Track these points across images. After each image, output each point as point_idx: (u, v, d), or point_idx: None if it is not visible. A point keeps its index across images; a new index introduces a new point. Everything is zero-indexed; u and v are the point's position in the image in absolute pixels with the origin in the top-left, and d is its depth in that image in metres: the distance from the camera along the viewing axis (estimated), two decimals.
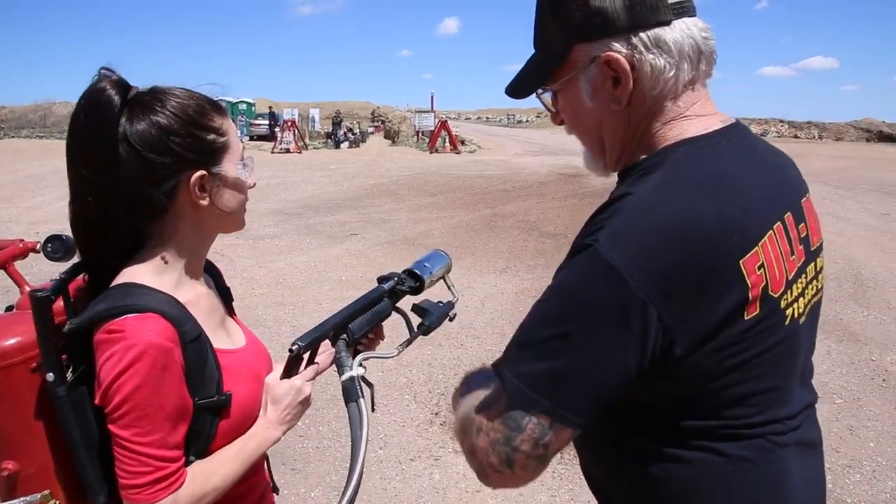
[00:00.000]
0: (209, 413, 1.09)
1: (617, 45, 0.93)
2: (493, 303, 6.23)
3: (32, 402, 1.06)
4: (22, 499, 1.03)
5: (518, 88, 1.09)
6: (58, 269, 1.21)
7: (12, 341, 1.05)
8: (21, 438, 1.07)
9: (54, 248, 1.37)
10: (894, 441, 3.74)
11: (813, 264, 1.02)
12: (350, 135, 34.13)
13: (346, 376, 1.06)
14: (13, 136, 38.35)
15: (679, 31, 0.93)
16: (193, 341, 1.06)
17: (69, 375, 1.03)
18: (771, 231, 0.92)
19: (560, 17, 0.98)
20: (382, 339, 1.37)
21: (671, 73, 0.94)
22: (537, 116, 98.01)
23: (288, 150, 27.87)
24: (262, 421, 1.17)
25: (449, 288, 1.47)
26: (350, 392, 1.05)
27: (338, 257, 8.19)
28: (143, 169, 1.05)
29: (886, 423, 3.95)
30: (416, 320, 1.37)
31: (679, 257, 0.83)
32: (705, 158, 0.93)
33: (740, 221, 0.88)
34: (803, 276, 0.98)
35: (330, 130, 34.88)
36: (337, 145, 32.41)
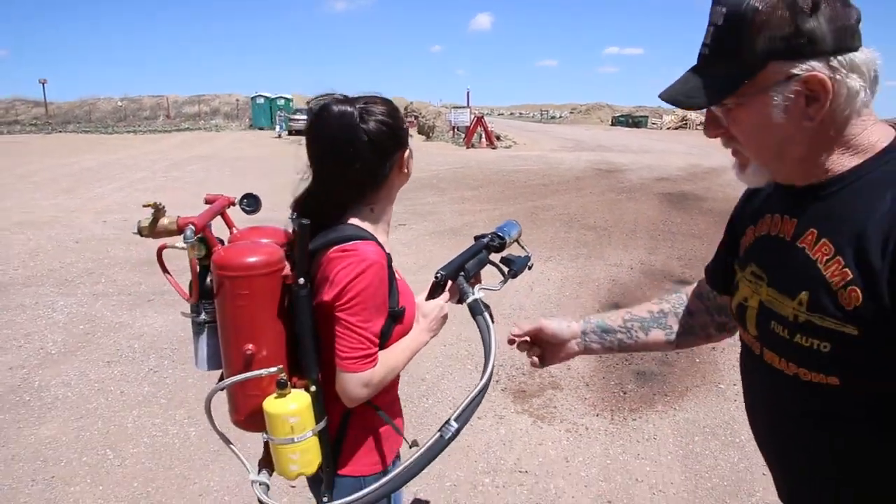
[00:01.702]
0: (391, 319, 1.53)
1: (818, 66, 0.98)
2: (540, 287, 6.64)
3: (276, 300, 1.46)
4: (265, 370, 1.42)
5: (695, 97, 1.08)
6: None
7: (277, 255, 1.45)
8: (262, 327, 1.44)
9: (248, 202, 1.77)
10: None
11: None
12: None
13: (470, 299, 1.61)
14: (60, 131, 39.44)
15: (865, 56, 1.00)
16: (390, 266, 1.52)
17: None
18: None
19: (763, 34, 0.99)
20: (479, 283, 1.81)
21: (862, 95, 1.00)
22: (570, 112, 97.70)
23: None
24: (416, 328, 1.62)
25: (523, 247, 1.93)
26: (475, 309, 1.59)
27: (390, 246, 8.63)
28: (377, 153, 1.52)
29: None
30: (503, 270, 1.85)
31: None
32: None
33: None
34: None
35: None
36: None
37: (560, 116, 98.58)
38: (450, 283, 1.67)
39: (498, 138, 31.93)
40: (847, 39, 0.98)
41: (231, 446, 1.61)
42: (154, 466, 3.38)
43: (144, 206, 1.55)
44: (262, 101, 42.90)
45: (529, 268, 1.89)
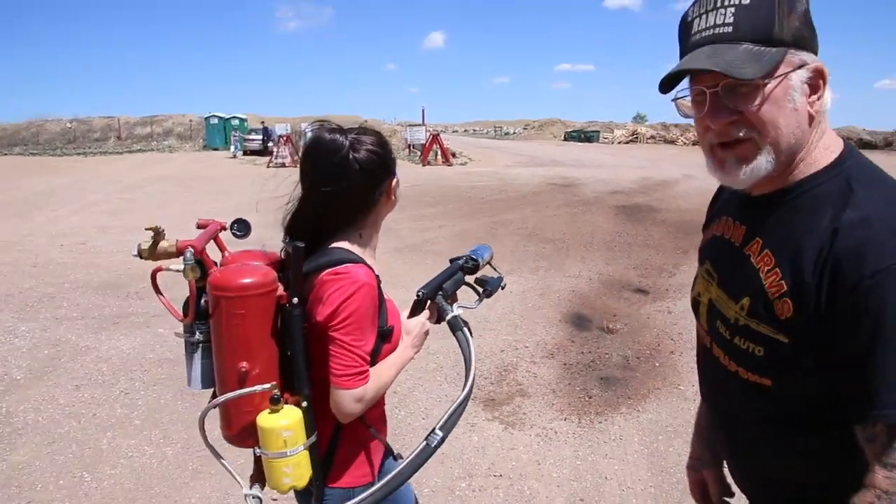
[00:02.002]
0: (380, 338, 1.64)
1: (816, 58, 1.10)
2: (503, 300, 6.77)
3: (269, 320, 1.54)
4: (258, 387, 1.50)
5: (745, 67, 1.06)
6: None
7: (271, 277, 1.55)
8: (255, 345, 1.52)
9: (239, 228, 1.84)
10: None
11: None
12: None
13: (449, 316, 1.76)
14: (6, 154, 38.47)
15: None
16: (380, 288, 1.63)
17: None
18: None
19: (792, 18, 1.06)
20: (456, 301, 1.92)
21: (829, 94, 1.12)
22: (524, 128, 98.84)
23: (284, 165, 28.28)
24: (401, 345, 1.72)
25: (495, 269, 2.07)
26: (454, 325, 1.76)
27: (378, 269, 8.69)
28: (368, 180, 1.62)
29: None
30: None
31: None
32: (872, 166, 1.15)
33: None
34: None
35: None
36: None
37: (514, 132, 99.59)
38: (429, 301, 1.80)
39: (454, 155, 32.19)
40: (817, 42, 1.11)
41: (222, 461, 1.68)
42: (133, 487, 3.40)
43: (146, 229, 1.61)
44: (216, 121, 42.49)
45: (502, 287, 2.02)
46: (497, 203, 14.84)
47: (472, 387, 1.62)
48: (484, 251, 2.03)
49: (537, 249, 9.52)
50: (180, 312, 1.61)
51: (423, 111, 34.59)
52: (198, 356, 1.61)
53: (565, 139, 73.70)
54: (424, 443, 1.51)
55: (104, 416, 4.19)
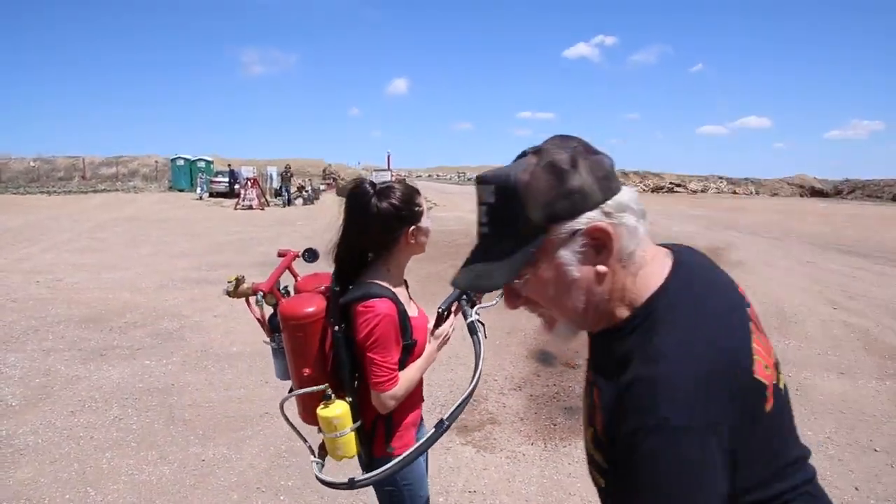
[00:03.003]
0: (405, 351, 2.08)
1: (595, 216, 1.03)
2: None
3: (318, 338, 2.00)
4: (315, 388, 1.96)
5: (492, 279, 1.09)
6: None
7: (322, 307, 2.00)
8: (312, 357, 2.00)
9: (310, 255, 2.35)
10: (799, 429, 4.76)
11: (770, 345, 1.13)
12: (304, 192, 34.49)
13: (469, 319, 2.15)
14: None
15: (629, 194, 1.08)
16: (402, 313, 2.04)
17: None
18: (752, 333, 1.05)
19: (536, 201, 1.03)
20: (480, 303, 2.35)
21: (639, 228, 1.08)
22: None
23: (251, 207, 28.49)
24: (428, 347, 2.18)
25: None
26: (472, 328, 2.13)
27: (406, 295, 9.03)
28: (387, 226, 2.05)
29: (797, 419, 4.97)
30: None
31: (725, 393, 0.95)
32: (686, 299, 1.06)
33: (738, 342, 1.02)
34: (765, 352, 1.08)
35: (279, 187, 33.11)
36: (288, 202, 31.53)
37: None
38: (454, 306, 2.25)
39: None
40: (611, 184, 1.06)
41: (301, 435, 2.09)
42: (136, 500, 3.68)
43: (229, 281, 2.17)
44: (181, 162, 42.63)
45: None
46: (463, 246, 15.27)
47: (477, 383, 2.03)
48: None
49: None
50: (269, 328, 2.20)
51: (388, 156, 35.27)
52: (279, 358, 2.21)
53: None
54: (434, 429, 1.92)
55: (101, 438, 4.46)
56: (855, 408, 5.28)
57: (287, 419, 2.02)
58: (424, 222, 2.14)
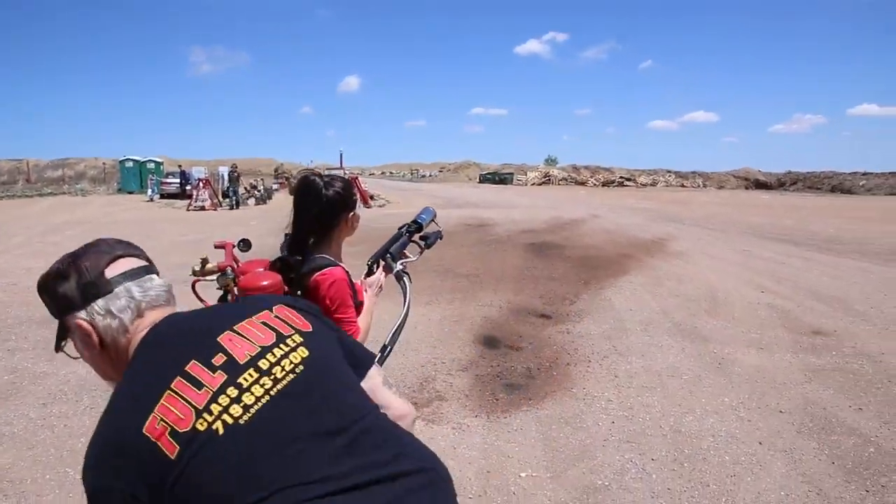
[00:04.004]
0: (356, 306, 2.49)
1: (81, 314, 1.36)
2: (422, 326, 7.59)
3: None
4: None
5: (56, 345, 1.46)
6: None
7: (279, 279, 2.35)
8: None
9: (244, 244, 2.73)
10: (717, 397, 5.33)
11: (251, 371, 1.28)
12: (256, 192, 34.28)
13: (394, 270, 2.68)
14: None
15: (121, 295, 1.37)
16: (349, 278, 2.46)
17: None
18: (168, 392, 1.22)
19: (50, 301, 1.40)
20: (406, 258, 2.90)
21: (117, 324, 1.36)
22: (440, 171, 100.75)
23: (203, 208, 28.43)
24: (367, 298, 2.62)
25: (438, 226, 3.10)
26: (398, 276, 2.69)
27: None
28: (333, 211, 2.47)
29: (715, 388, 5.54)
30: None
31: (113, 458, 1.16)
32: (126, 375, 1.31)
33: (134, 413, 1.20)
34: (232, 388, 1.24)
35: (226, 188, 32.01)
36: (236, 204, 30.33)
37: (430, 175, 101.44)
38: (382, 263, 2.75)
39: (372, 198, 33.04)
40: (93, 291, 1.36)
41: None
42: None
43: (200, 259, 2.57)
44: (131, 164, 42.13)
45: (440, 238, 3.08)
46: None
47: (407, 314, 2.71)
48: (427, 213, 3.06)
49: (453, 283, 10.40)
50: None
51: (340, 155, 35.56)
52: None
53: (481, 181, 75.63)
54: (378, 354, 2.42)
55: (75, 425, 4.76)
56: (768, 377, 5.87)
57: None
58: (359, 209, 2.58)
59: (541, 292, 9.67)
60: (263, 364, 1.30)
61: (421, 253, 3.03)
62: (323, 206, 2.46)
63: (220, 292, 2.59)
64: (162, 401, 1.21)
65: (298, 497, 1.16)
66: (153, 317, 1.41)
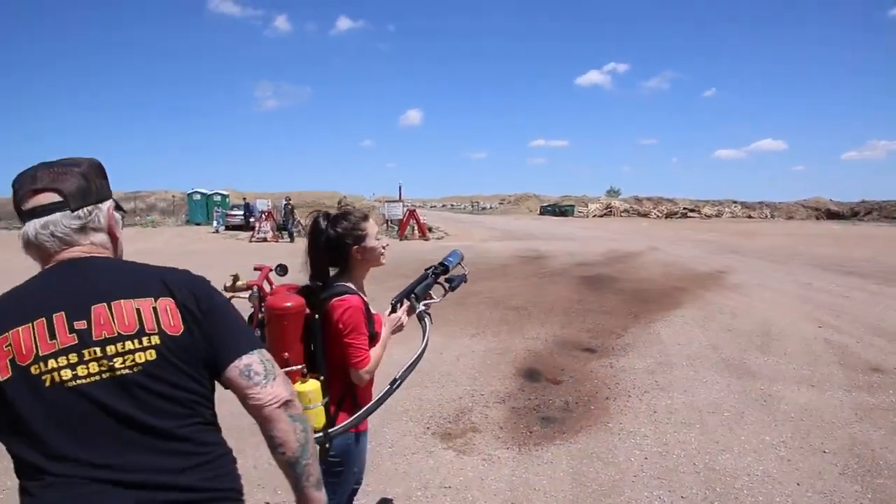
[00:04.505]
0: (370, 337, 2.61)
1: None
2: (466, 359, 7.65)
3: (300, 327, 2.50)
4: (295, 367, 2.46)
5: None
6: None
7: (301, 302, 2.49)
8: (291, 342, 2.49)
9: (281, 269, 2.92)
10: (757, 435, 5.20)
11: (96, 350, 1.44)
12: None
13: (417, 311, 2.76)
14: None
15: (29, 231, 1.52)
16: (367, 307, 2.57)
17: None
18: (28, 325, 1.41)
19: None
20: (430, 299, 3.01)
21: (31, 253, 1.56)
22: (500, 203, 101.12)
23: (265, 240, 29.18)
24: (384, 332, 2.72)
25: (464, 269, 3.23)
26: (420, 316, 2.77)
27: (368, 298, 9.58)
28: (339, 245, 2.64)
29: (757, 426, 5.42)
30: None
31: None
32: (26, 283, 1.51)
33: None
34: (74, 354, 1.42)
35: (283, 220, 31.43)
36: (291, 237, 29.54)
37: (490, 207, 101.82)
38: (406, 303, 2.87)
39: (430, 230, 33.32)
40: (21, 218, 1.54)
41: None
42: None
43: (231, 276, 2.84)
44: (198, 197, 43.70)
45: (465, 281, 3.23)
46: (469, 275, 15.75)
47: (423, 352, 2.81)
48: (454, 256, 3.18)
49: (502, 315, 10.43)
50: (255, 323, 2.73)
51: (399, 187, 35.80)
52: None
53: (541, 213, 75.50)
54: (388, 387, 2.59)
55: None
56: (815, 415, 5.70)
57: None
58: (370, 242, 2.71)
59: (589, 326, 9.61)
60: (110, 349, 1.44)
61: (444, 295, 3.15)
62: (329, 242, 2.66)
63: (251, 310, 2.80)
64: (19, 328, 1.40)
65: (76, 472, 1.36)
66: (64, 255, 1.55)
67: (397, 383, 2.70)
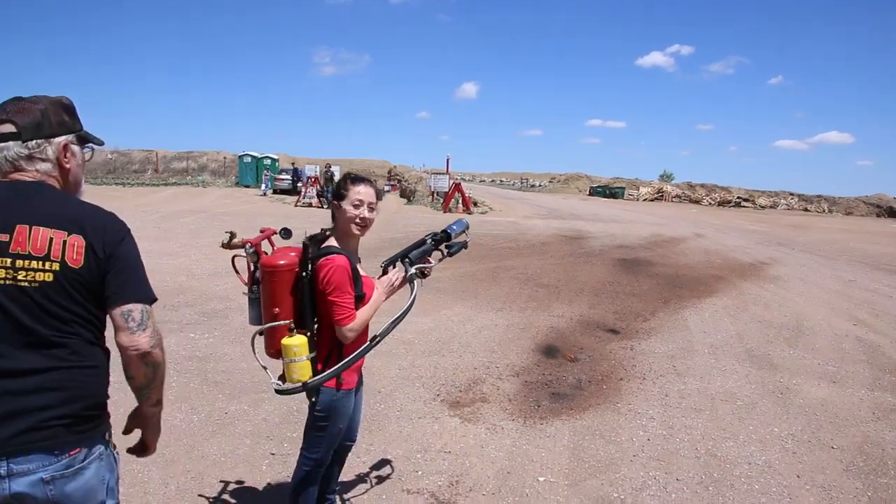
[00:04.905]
0: (358, 299, 2.71)
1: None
2: (487, 332, 7.74)
3: (291, 285, 2.65)
4: (283, 321, 2.61)
5: None
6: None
7: (294, 260, 2.65)
8: (281, 299, 2.64)
9: (285, 233, 3.02)
10: (766, 426, 5.20)
11: (7, 260, 1.77)
12: None
13: (408, 274, 2.81)
14: None
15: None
16: (353, 267, 2.67)
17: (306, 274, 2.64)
18: None
19: None
20: (430, 263, 3.07)
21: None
22: (550, 181, 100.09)
23: (310, 205, 29.49)
24: (375, 292, 2.81)
25: (466, 237, 3.26)
26: (411, 279, 2.83)
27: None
28: (333, 202, 2.72)
29: (768, 417, 5.40)
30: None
31: None
32: None
33: None
34: None
35: (321, 188, 30.50)
36: (328, 203, 28.90)
37: (540, 185, 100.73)
38: (399, 265, 2.95)
39: (475, 204, 33.24)
40: None
41: (261, 364, 2.77)
42: (166, 439, 4.33)
43: (226, 232, 2.88)
44: (248, 159, 44.23)
45: (465, 248, 3.26)
46: (505, 250, 15.83)
47: (405, 313, 2.89)
48: (458, 225, 3.25)
49: (531, 292, 10.48)
50: (247, 280, 2.88)
51: (447, 160, 35.69)
52: (254, 307, 2.82)
53: (590, 194, 74.59)
54: (368, 342, 2.72)
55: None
56: (830, 411, 5.65)
57: (254, 350, 2.70)
58: (345, 204, 2.78)
59: (616, 307, 9.60)
60: (19, 263, 1.77)
61: (440, 260, 3.19)
62: (324, 194, 2.79)
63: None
64: None
65: None
66: (14, 176, 1.88)
67: (377, 340, 2.78)
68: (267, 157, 44.26)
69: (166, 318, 7.44)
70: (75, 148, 1.99)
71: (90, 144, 2.06)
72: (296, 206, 29.09)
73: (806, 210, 72.37)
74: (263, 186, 37.82)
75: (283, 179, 38.04)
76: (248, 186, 42.22)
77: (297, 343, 2.58)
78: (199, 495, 3.76)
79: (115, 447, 2.11)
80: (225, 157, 53.42)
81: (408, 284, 2.99)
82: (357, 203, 2.79)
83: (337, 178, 35.50)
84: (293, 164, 41.73)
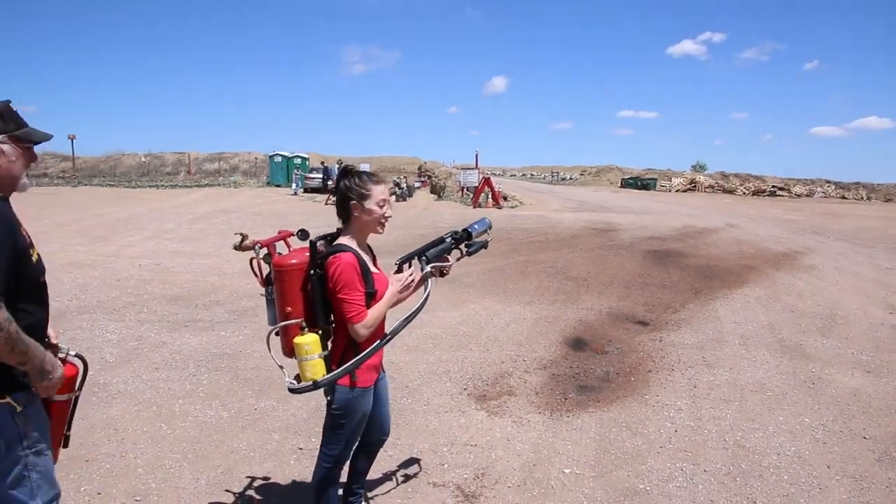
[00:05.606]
0: (369, 296, 2.73)
1: None
2: (515, 325, 7.76)
3: (300, 282, 2.70)
4: (295, 320, 2.66)
5: None
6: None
7: (304, 260, 2.70)
8: (293, 297, 2.69)
9: (302, 234, 3.06)
10: (797, 416, 5.14)
11: None
12: (398, 189, 35.30)
13: (424, 272, 2.80)
14: (86, 184, 41.15)
15: None
16: (363, 264, 2.71)
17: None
18: None
19: None
20: (448, 262, 3.04)
21: None
22: (581, 174, 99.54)
23: None
24: (390, 289, 2.83)
25: (487, 236, 3.28)
26: (425, 277, 2.82)
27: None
28: (343, 197, 2.77)
29: (799, 407, 5.34)
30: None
31: None
32: None
33: None
34: None
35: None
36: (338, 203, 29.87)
37: (570, 178, 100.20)
38: (416, 263, 2.96)
39: (505, 198, 33.17)
40: None
41: (277, 362, 2.83)
42: (197, 435, 4.51)
43: (236, 234, 2.98)
44: (279, 159, 44.63)
45: (485, 248, 3.25)
46: (535, 244, 15.80)
47: (418, 310, 2.83)
48: (481, 224, 3.25)
49: (560, 285, 10.46)
50: (263, 281, 2.94)
51: (476, 155, 35.76)
52: (270, 307, 2.88)
53: (622, 186, 73.90)
54: (379, 341, 2.73)
55: (177, 389, 5.35)
56: (864, 401, 5.56)
57: (269, 348, 2.77)
58: (370, 204, 2.79)
59: (646, 299, 9.54)
60: None
61: (458, 259, 3.18)
62: (338, 196, 2.82)
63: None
64: None
65: None
66: None
67: (386, 338, 2.81)
68: (297, 156, 44.63)
69: (198, 317, 7.61)
70: (5, 147, 2.12)
71: (23, 142, 2.19)
72: (325, 203, 29.28)
73: (843, 198, 70.85)
74: (294, 185, 38.13)
75: (313, 178, 38.30)
76: (279, 186, 42.61)
77: (308, 341, 2.63)
78: (226, 490, 3.83)
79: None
80: (256, 158, 53.99)
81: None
82: (381, 203, 2.82)
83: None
84: (322, 162, 41.97)
